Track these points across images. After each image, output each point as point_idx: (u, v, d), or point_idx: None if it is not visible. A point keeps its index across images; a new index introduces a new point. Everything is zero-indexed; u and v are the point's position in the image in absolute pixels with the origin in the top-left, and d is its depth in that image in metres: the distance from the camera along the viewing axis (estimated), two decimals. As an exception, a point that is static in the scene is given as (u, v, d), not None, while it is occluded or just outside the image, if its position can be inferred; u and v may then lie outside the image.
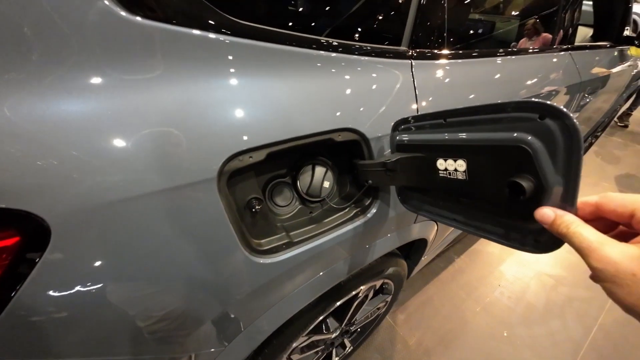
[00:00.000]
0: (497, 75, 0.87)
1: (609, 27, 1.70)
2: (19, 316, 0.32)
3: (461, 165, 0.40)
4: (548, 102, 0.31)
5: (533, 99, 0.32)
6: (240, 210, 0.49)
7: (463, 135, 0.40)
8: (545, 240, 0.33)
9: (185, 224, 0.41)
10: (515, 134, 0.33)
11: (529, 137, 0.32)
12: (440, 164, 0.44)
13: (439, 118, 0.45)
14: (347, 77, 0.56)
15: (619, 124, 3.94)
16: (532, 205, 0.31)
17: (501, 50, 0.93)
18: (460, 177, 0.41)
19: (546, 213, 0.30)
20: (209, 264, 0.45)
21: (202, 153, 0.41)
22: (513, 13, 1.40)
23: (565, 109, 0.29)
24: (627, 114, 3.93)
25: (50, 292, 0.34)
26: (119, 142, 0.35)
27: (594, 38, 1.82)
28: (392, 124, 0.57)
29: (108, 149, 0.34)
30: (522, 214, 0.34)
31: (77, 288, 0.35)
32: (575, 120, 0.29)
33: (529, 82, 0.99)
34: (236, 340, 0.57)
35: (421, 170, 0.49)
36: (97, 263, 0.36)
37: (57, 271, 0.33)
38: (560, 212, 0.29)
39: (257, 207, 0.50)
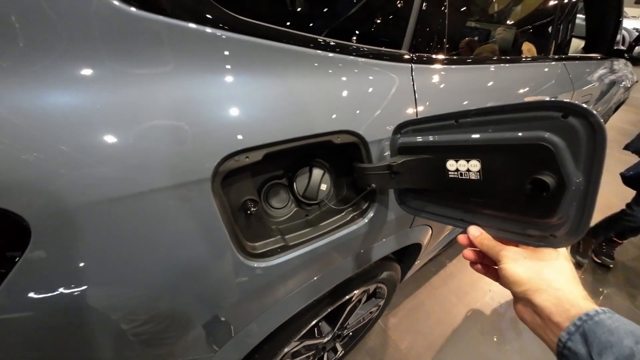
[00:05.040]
0: (492, 83, 0.88)
1: (601, 39, 1.75)
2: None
3: (475, 165, 0.40)
4: (571, 101, 0.31)
5: (555, 99, 0.33)
6: (234, 212, 0.48)
7: (477, 136, 0.40)
8: (562, 235, 0.34)
9: (176, 226, 0.39)
10: (536, 133, 0.34)
11: (551, 135, 0.32)
12: (451, 164, 0.43)
13: (449, 119, 0.45)
14: (345, 78, 0.55)
15: (595, 259, 1.80)
16: (552, 202, 0.32)
17: (496, 58, 0.93)
18: (473, 177, 0.41)
19: None
20: (201, 268, 0.43)
21: (197, 152, 0.39)
22: (509, 22, 1.42)
23: (589, 107, 0.30)
24: (610, 240, 1.75)
25: (30, 294, 0.31)
26: (108, 139, 0.33)
27: (585, 50, 1.86)
28: (394, 127, 0.56)
29: (96, 145, 0.32)
30: (541, 211, 0.35)
31: (59, 290, 0.33)
32: (600, 118, 0.29)
33: (522, 90, 1.00)
34: (226, 346, 0.55)
35: (429, 172, 0.48)
36: (81, 264, 0.33)
37: (38, 272, 0.31)
38: None
39: (252, 209, 0.48)
